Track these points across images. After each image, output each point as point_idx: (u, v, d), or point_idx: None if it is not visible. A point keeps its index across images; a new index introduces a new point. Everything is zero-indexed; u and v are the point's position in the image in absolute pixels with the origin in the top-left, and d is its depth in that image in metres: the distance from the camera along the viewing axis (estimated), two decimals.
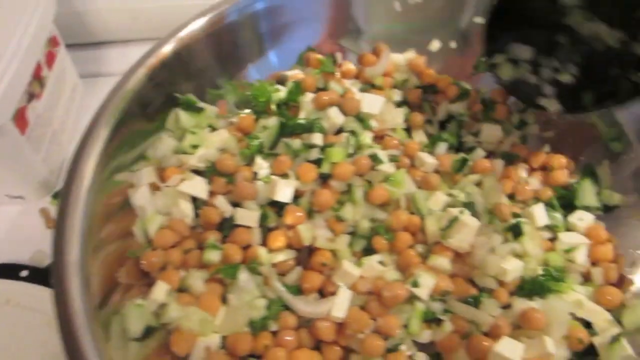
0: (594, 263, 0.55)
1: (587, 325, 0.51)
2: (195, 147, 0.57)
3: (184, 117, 0.58)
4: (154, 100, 0.56)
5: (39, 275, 0.63)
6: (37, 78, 0.68)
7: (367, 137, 0.62)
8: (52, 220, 0.68)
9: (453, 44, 0.70)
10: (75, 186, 0.46)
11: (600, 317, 0.50)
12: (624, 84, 0.55)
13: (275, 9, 0.63)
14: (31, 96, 0.66)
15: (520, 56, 0.61)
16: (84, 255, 0.43)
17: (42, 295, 0.61)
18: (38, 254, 0.66)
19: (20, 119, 0.63)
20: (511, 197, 0.61)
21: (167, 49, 0.56)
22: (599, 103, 0.57)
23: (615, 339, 0.48)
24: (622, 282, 0.54)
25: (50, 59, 0.72)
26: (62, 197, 0.45)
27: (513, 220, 0.55)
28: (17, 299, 0.60)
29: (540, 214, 0.57)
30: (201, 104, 0.60)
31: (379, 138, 0.64)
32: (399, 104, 0.67)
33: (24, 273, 0.63)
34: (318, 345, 0.51)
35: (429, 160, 0.61)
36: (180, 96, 0.59)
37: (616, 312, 0.51)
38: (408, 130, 0.67)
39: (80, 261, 0.42)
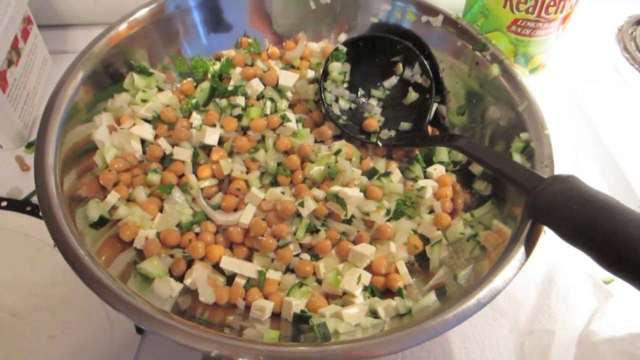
0: (438, 199, 0.75)
1: (428, 240, 0.72)
2: (144, 101, 0.75)
3: (137, 79, 0.76)
4: (112, 65, 0.74)
5: (16, 205, 0.79)
6: (15, 48, 0.84)
7: (283, 104, 0.81)
8: (25, 165, 0.85)
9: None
10: (50, 123, 0.63)
11: (432, 232, 0.70)
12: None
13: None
14: (10, 62, 0.82)
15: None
16: (56, 167, 0.60)
17: (18, 219, 0.77)
18: (14, 189, 0.82)
19: (2, 79, 0.79)
20: (389, 156, 0.81)
21: (122, 28, 0.74)
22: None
23: (436, 243, 0.68)
24: (455, 213, 0.74)
25: (25, 34, 0.88)
26: (41, 128, 0.62)
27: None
28: None
29: (397, 173, 0.76)
30: (151, 70, 0.77)
31: (293, 105, 0.84)
32: (311, 81, 0.85)
33: (4, 203, 0.79)
34: (231, 246, 0.70)
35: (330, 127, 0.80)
36: (134, 63, 0.76)
37: (445, 231, 0.71)
38: (318, 102, 0.86)
39: (54, 168, 0.59)
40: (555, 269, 0.78)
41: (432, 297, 0.59)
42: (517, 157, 0.69)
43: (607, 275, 0.79)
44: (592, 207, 0.50)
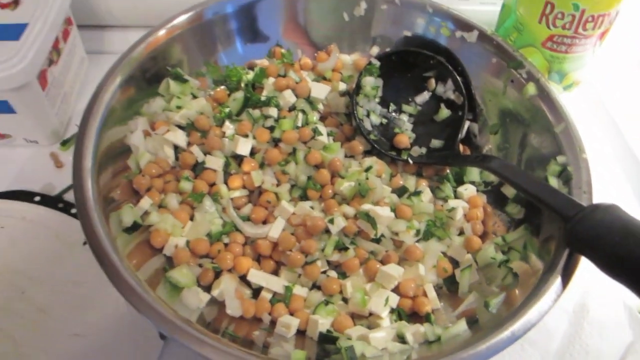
0: (468, 221, 0.74)
1: (457, 264, 0.70)
2: (179, 107, 0.75)
3: (172, 85, 0.76)
4: (150, 70, 0.74)
5: (49, 201, 0.80)
6: (55, 48, 0.85)
7: (314, 116, 0.81)
8: (59, 162, 0.86)
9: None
10: (89, 126, 0.63)
11: (462, 256, 0.69)
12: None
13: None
14: (50, 62, 0.84)
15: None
16: (94, 169, 0.60)
17: (50, 215, 0.78)
18: (48, 185, 0.83)
19: (42, 78, 0.81)
20: (419, 174, 0.80)
21: (161, 33, 0.74)
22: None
23: (466, 267, 0.67)
24: (486, 236, 0.73)
25: (65, 34, 0.90)
26: (80, 130, 0.63)
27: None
28: (31, 217, 0.77)
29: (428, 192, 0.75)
30: (186, 77, 0.78)
31: (324, 118, 0.83)
32: (343, 94, 0.85)
33: (37, 198, 0.80)
34: (258, 259, 0.69)
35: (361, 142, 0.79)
36: (170, 69, 0.77)
37: (475, 254, 0.70)
38: (348, 115, 0.85)
39: (92, 170, 0.59)
40: (589, 297, 0.75)
41: (462, 325, 0.57)
42: (554, 181, 0.67)
43: None
44: (635, 239, 0.49)
